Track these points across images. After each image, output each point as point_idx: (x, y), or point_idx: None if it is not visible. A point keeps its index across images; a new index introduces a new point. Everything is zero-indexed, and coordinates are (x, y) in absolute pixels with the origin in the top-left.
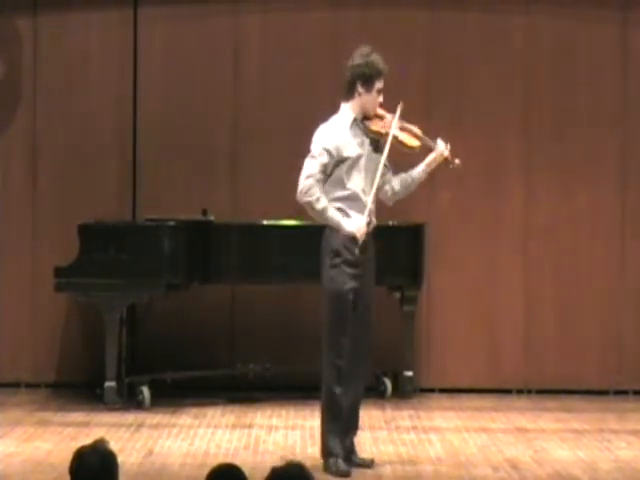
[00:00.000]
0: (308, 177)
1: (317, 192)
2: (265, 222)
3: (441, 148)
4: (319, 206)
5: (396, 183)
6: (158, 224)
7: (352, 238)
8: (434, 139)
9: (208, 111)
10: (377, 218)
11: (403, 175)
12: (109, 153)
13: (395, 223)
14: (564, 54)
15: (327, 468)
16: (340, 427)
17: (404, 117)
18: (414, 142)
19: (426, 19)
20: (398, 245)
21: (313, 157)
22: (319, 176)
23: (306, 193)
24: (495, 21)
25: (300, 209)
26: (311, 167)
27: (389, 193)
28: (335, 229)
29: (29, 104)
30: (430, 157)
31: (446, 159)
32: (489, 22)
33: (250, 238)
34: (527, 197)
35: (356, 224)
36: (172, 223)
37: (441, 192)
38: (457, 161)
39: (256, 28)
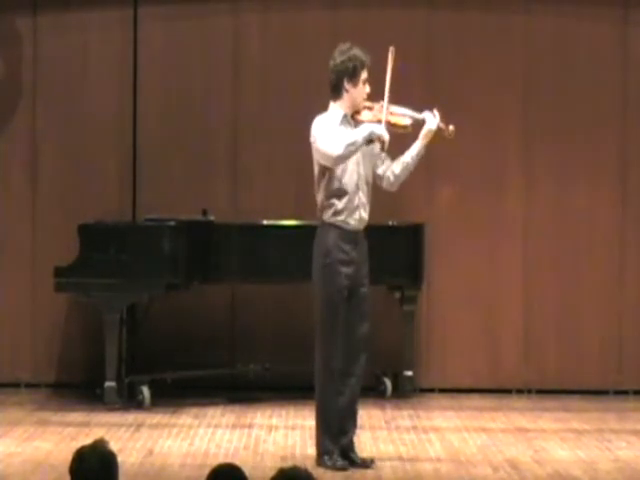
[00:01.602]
0: (331, 140)
1: (345, 140)
2: (265, 222)
3: (430, 119)
4: (353, 142)
5: (396, 167)
6: (158, 224)
7: (344, 236)
8: (422, 112)
9: (208, 111)
10: (377, 218)
11: (401, 158)
12: (109, 153)
13: (395, 223)
14: (564, 53)
15: (323, 464)
16: (335, 426)
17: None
18: (406, 121)
19: (426, 18)
20: (398, 245)
21: (322, 133)
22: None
23: (342, 148)
24: (495, 21)
25: (300, 209)
26: (327, 136)
27: (392, 178)
28: (327, 228)
29: (29, 104)
30: (423, 130)
31: (440, 129)
32: (489, 22)
33: (250, 238)
34: (527, 196)
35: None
36: (172, 223)
37: (441, 191)
38: (451, 127)
39: (256, 28)
